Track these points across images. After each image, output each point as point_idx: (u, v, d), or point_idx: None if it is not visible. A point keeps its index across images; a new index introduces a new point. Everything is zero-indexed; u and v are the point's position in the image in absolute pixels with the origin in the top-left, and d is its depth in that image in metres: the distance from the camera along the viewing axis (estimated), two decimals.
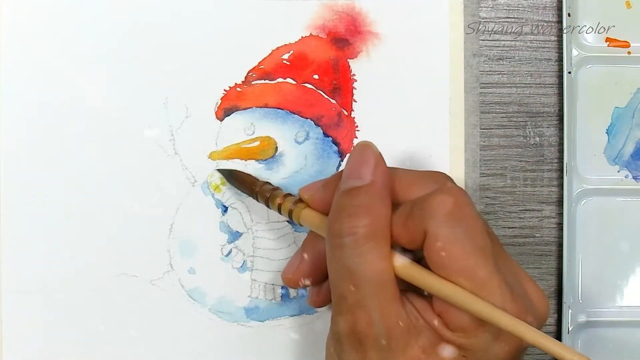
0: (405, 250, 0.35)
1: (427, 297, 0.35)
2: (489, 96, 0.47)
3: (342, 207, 0.35)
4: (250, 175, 0.44)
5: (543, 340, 0.32)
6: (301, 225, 0.40)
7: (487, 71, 0.47)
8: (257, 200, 0.42)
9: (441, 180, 0.37)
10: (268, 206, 0.41)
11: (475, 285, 0.33)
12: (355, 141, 0.46)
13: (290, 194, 0.40)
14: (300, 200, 0.40)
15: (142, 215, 0.45)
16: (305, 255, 0.39)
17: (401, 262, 0.35)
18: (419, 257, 0.35)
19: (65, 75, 0.45)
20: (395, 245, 0.35)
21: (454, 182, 0.37)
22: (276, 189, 0.41)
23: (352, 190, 0.36)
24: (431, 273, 0.34)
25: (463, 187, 0.45)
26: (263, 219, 0.46)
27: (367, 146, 0.37)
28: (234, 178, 0.44)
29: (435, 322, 0.34)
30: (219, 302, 0.46)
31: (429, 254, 0.34)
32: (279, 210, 0.40)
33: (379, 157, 0.36)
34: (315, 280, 0.40)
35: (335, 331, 0.35)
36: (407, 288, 0.35)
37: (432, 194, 0.34)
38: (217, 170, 0.45)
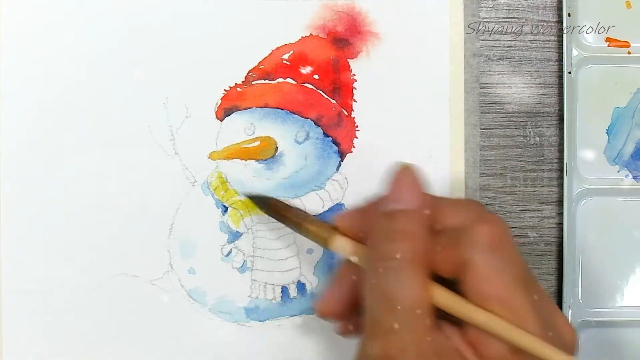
0: (439, 279, 0.35)
1: (460, 326, 0.35)
2: (489, 96, 0.47)
3: (383, 230, 0.35)
4: (280, 200, 0.43)
5: None
6: (334, 252, 0.39)
7: (487, 71, 0.47)
8: (287, 226, 0.41)
9: (477, 208, 0.37)
10: (298, 231, 0.40)
11: (512, 316, 0.33)
12: (356, 141, 0.46)
13: (323, 221, 0.39)
14: (332, 226, 0.39)
15: (142, 215, 0.45)
16: (339, 287, 0.39)
17: (439, 290, 0.34)
18: (449, 286, 0.35)
19: (65, 75, 0.45)
20: (431, 273, 0.35)
21: (488, 210, 0.37)
22: (308, 215, 0.41)
23: (393, 214, 0.35)
24: (468, 302, 0.34)
25: (463, 188, 0.46)
26: (263, 219, 0.46)
27: (410, 169, 0.36)
28: (265, 205, 0.44)
29: (468, 351, 0.34)
30: (219, 302, 0.46)
31: (468, 281, 0.34)
32: (310, 236, 0.39)
33: (421, 181, 0.36)
34: (349, 311, 0.39)
35: (365, 355, 0.35)
36: (440, 317, 0.35)
37: (474, 223, 0.34)
38: (248, 197, 0.45)
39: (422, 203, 0.35)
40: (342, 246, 0.38)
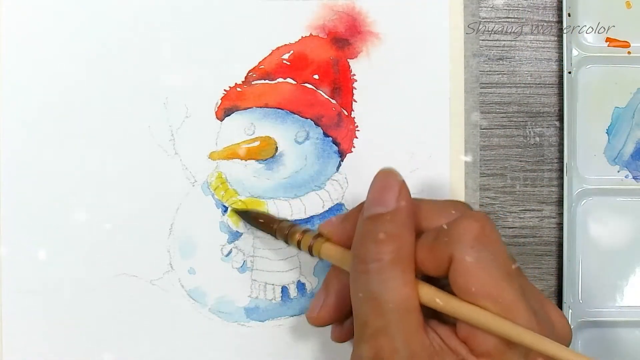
0: (426, 279, 0.35)
1: (450, 324, 0.35)
2: (489, 96, 0.47)
3: (367, 233, 0.35)
4: (266, 213, 0.44)
5: (576, 358, 0.32)
6: (321, 259, 0.40)
7: (487, 71, 0.47)
8: (276, 238, 0.42)
9: (462, 207, 0.37)
10: (287, 243, 0.41)
11: (502, 309, 0.33)
12: (356, 141, 0.46)
13: (308, 229, 0.40)
14: (319, 235, 0.39)
15: (142, 215, 0.45)
16: (329, 293, 0.39)
17: (426, 289, 0.35)
18: (440, 286, 0.35)
19: (65, 75, 0.45)
20: (418, 273, 0.35)
21: (471, 208, 0.38)
22: (294, 225, 0.41)
23: (377, 217, 0.35)
24: (457, 298, 0.34)
25: (463, 188, 0.46)
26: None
27: (390, 173, 0.36)
28: (251, 218, 0.44)
29: (460, 348, 0.34)
30: (219, 302, 0.46)
31: (455, 278, 0.34)
32: (299, 246, 0.40)
33: (403, 184, 0.36)
34: (340, 316, 0.39)
35: (357, 357, 0.35)
36: (429, 315, 0.35)
37: (458, 220, 0.35)
38: (233, 210, 0.45)
39: (404, 205, 0.36)
40: (331, 253, 0.39)
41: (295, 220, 0.46)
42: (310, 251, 0.39)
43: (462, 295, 0.34)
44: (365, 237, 0.35)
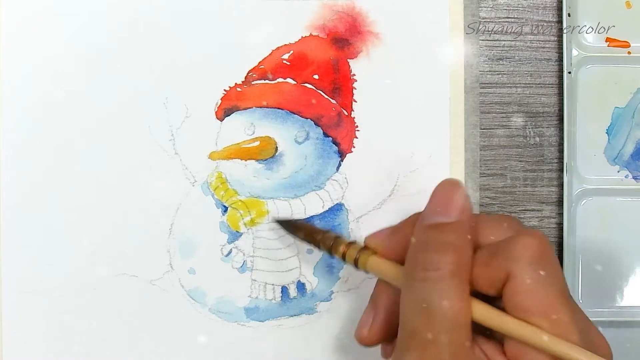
0: (477, 296, 0.35)
1: (497, 341, 0.35)
2: (489, 96, 0.47)
3: (428, 241, 0.35)
4: (308, 223, 0.44)
5: None
6: (367, 273, 0.38)
7: (487, 71, 0.47)
8: (319, 249, 0.40)
9: (515, 223, 0.37)
10: (331, 254, 0.39)
11: (556, 329, 0.33)
12: (356, 141, 0.46)
13: (354, 242, 0.39)
14: (365, 247, 0.38)
15: (142, 215, 0.45)
16: (377, 310, 0.38)
17: (479, 305, 0.34)
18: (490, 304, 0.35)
19: (66, 75, 0.45)
20: (471, 289, 0.35)
21: (525, 225, 0.38)
22: (339, 236, 0.40)
23: (440, 226, 0.35)
24: (510, 316, 0.34)
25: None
26: (263, 218, 0.46)
27: (455, 184, 0.36)
28: (293, 228, 0.43)
29: None
30: (219, 302, 0.46)
31: (512, 296, 0.34)
32: (344, 258, 0.39)
33: (467, 197, 0.36)
34: (391, 334, 0.38)
35: None
36: (476, 331, 0.35)
37: (516, 237, 0.34)
38: (276, 221, 0.44)
39: (467, 217, 0.35)
40: (378, 267, 0.38)
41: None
42: (355, 264, 0.38)
43: (516, 312, 0.34)
44: (426, 244, 0.35)
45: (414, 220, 0.37)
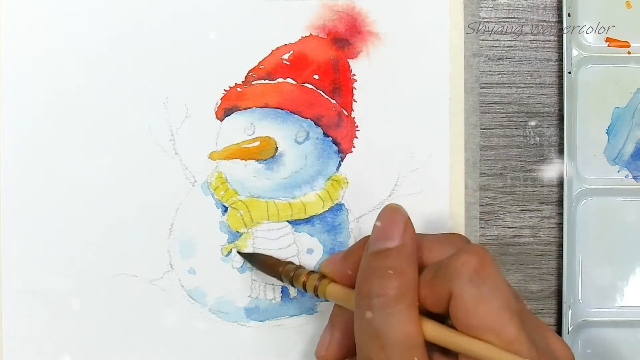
0: (427, 314, 0.35)
1: (453, 356, 0.35)
2: (489, 96, 0.47)
3: (372, 269, 0.35)
4: (271, 256, 0.44)
5: None
6: (328, 301, 0.40)
7: (487, 71, 0.47)
8: (281, 280, 0.42)
9: (460, 241, 0.37)
10: (292, 285, 0.41)
11: (504, 342, 0.33)
12: (356, 141, 0.46)
13: (313, 271, 0.41)
14: (323, 275, 0.40)
15: (142, 215, 0.45)
16: (334, 331, 0.40)
17: (430, 325, 0.35)
18: (441, 321, 0.35)
19: (65, 75, 0.45)
20: (420, 309, 0.35)
21: (471, 243, 0.38)
22: (299, 267, 0.42)
23: (382, 252, 0.36)
24: (460, 333, 0.34)
25: (463, 188, 0.46)
26: (263, 218, 0.46)
27: (396, 209, 0.37)
28: (256, 261, 0.44)
29: None
30: (219, 302, 0.46)
31: (456, 313, 0.34)
32: (304, 288, 0.40)
33: (408, 220, 0.36)
34: (348, 353, 0.39)
35: None
36: (433, 348, 0.35)
37: (456, 255, 0.35)
38: (239, 253, 0.45)
39: (409, 240, 0.36)
40: (336, 293, 0.39)
41: (295, 220, 0.46)
42: (315, 293, 0.40)
43: (463, 329, 0.34)
44: (369, 272, 0.35)
45: (364, 244, 0.37)
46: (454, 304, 0.34)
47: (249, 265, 0.45)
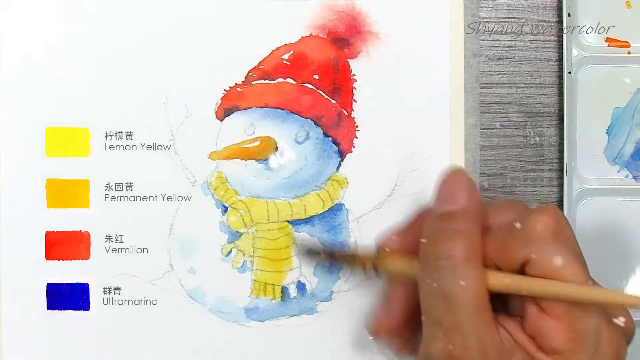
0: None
1: (518, 317, 0.35)
2: (489, 96, 0.47)
3: (438, 231, 0.35)
4: (325, 246, 0.45)
5: None
6: (388, 276, 0.40)
7: (487, 71, 0.47)
8: (341, 265, 0.43)
9: (522, 207, 0.38)
10: (353, 267, 0.42)
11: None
12: (356, 141, 0.46)
13: (366, 250, 0.41)
14: (380, 251, 0.40)
15: (142, 215, 0.45)
16: (393, 306, 0.40)
17: (496, 277, 0.35)
18: None
19: (65, 75, 0.45)
20: (489, 269, 0.35)
21: (538, 206, 0.38)
22: (352, 249, 0.43)
23: (449, 215, 0.36)
24: (530, 277, 0.34)
25: None
26: (263, 218, 0.46)
27: (460, 172, 0.37)
28: (314, 254, 0.45)
29: (528, 345, 0.34)
30: (219, 302, 0.46)
31: (536, 275, 0.34)
32: (364, 267, 0.40)
33: (473, 182, 0.37)
34: (402, 328, 0.40)
35: (427, 356, 0.35)
36: (498, 309, 0.35)
37: (533, 216, 0.35)
38: (299, 247, 0.45)
39: (474, 203, 0.36)
40: (397, 265, 0.39)
41: (295, 220, 0.46)
42: (375, 269, 0.40)
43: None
44: (436, 235, 0.35)
45: (419, 214, 0.38)
46: (534, 266, 0.34)
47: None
